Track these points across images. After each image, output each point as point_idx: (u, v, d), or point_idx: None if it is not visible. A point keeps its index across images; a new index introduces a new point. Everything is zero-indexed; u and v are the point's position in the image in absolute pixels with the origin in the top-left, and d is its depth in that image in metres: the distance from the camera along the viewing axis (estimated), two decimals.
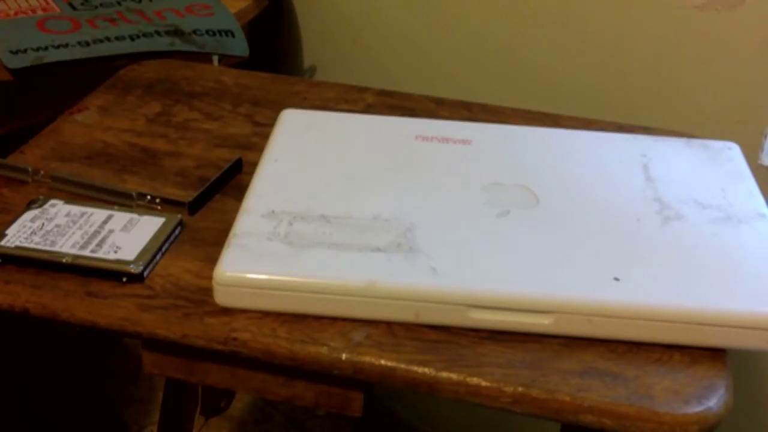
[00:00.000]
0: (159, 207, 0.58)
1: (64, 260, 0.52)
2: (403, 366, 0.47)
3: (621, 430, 0.45)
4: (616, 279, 0.49)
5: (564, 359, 0.48)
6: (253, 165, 0.59)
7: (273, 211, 0.54)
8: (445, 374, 0.47)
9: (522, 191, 0.57)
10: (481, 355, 0.48)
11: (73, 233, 0.54)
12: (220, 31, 0.98)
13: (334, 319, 0.50)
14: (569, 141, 0.63)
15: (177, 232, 0.56)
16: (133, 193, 0.59)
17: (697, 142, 0.63)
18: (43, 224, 0.55)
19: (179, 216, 0.57)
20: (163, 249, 0.54)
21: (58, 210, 0.56)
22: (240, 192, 0.57)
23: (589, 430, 0.46)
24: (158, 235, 0.55)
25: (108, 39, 0.93)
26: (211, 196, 0.60)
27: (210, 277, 0.50)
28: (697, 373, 0.47)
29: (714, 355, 0.48)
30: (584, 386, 0.46)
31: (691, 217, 0.55)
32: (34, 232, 0.54)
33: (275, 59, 1.25)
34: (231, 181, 0.62)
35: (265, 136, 0.63)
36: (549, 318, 0.48)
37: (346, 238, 0.51)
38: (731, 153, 0.62)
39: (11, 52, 0.88)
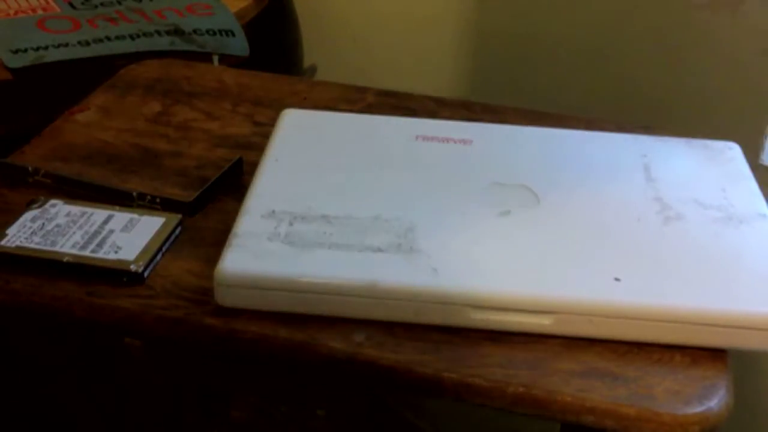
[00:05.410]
0: (159, 207, 0.58)
1: (64, 260, 0.52)
2: (403, 366, 0.47)
3: (622, 430, 0.45)
4: (617, 279, 0.49)
5: (565, 359, 0.48)
6: (254, 165, 0.59)
7: (273, 211, 0.54)
8: (445, 374, 0.46)
9: (522, 191, 0.57)
10: (482, 355, 0.48)
11: (74, 233, 0.54)
12: (220, 31, 0.98)
13: (335, 319, 0.49)
14: (569, 141, 0.63)
15: (177, 232, 0.56)
16: (134, 193, 0.59)
17: (697, 142, 0.63)
18: (43, 224, 0.55)
19: (179, 216, 0.57)
20: (164, 249, 0.54)
21: (59, 210, 0.56)
22: (240, 192, 0.57)
23: (589, 431, 0.46)
24: (159, 235, 0.54)
25: (108, 38, 0.93)
26: (211, 197, 0.60)
27: (210, 277, 0.50)
28: (697, 374, 0.47)
29: (715, 355, 0.48)
30: (585, 386, 0.46)
31: (692, 217, 0.55)
32: (34, 232, 0.54)
33: (275, 59, 1.25)
34: (231, 181, 0.62)
35: (266, 136, 0.63)
36: (549, 318, 0.48)
37: (347, 239, 0.51)
38: (732, 153, 0.62)
39: (11, 51, 0.88)
